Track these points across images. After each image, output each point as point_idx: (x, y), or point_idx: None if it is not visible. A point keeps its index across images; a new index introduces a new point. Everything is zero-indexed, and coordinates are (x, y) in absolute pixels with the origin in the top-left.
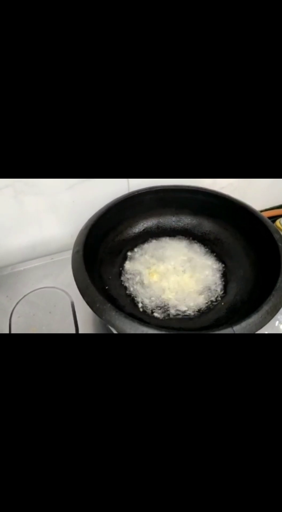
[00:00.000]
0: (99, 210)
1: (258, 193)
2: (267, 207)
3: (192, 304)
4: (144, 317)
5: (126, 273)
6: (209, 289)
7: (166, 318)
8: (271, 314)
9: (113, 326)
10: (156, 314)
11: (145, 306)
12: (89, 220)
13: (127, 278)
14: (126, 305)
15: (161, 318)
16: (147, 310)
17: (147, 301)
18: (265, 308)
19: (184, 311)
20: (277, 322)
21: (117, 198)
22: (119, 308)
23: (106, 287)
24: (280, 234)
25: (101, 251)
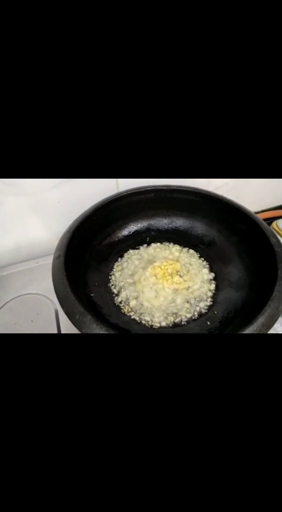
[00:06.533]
0: (85, 212)
1: (254, 194)
2: (264, 208)
3: (183, 312)
4: (131, 326)
5: (115, 279)
6: (202, 296)
7: (156, 327)
8: (267, 327)
9: None
10: (144, 323)
11: (134, 315)
12: (74, 222)
13: (116, 285)
14: (113, 314)
15: (149, 327)
16: (136, 319)
17: (136, 310)
18: (261, 320)
19: (175, 320)
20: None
21: (105, 199)
22: (104, 318)
23: (92, 295)
24: (276, 238)
25: (87, 255)
